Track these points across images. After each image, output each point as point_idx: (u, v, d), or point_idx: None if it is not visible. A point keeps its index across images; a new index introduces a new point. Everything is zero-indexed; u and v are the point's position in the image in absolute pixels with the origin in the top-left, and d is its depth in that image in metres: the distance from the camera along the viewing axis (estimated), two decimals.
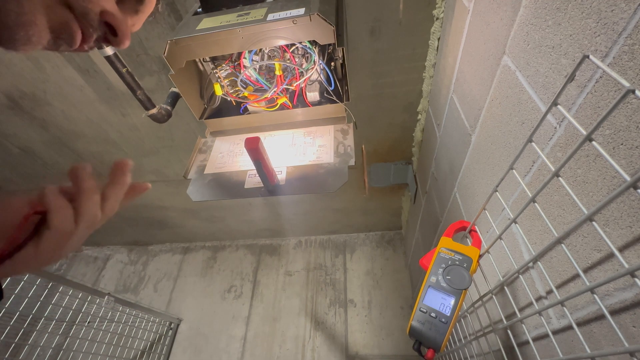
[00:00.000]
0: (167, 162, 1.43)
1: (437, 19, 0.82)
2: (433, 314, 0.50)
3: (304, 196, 1.65)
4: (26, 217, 0.27)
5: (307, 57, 0.73)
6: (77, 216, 0.29)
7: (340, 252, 1.94)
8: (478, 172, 0.64)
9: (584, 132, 0.26)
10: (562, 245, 0.33)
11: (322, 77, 0.77)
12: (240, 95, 0.79)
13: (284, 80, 0.74)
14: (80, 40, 0.30)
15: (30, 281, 1.21)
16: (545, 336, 0.46)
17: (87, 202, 0.30)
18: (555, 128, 0.38)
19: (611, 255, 0.32)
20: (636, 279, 0.25)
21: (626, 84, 0.21)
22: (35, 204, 0.29)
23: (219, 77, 0.77)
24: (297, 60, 0.73)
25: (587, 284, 0.30)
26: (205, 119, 0.81)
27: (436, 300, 0.50)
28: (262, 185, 0.68)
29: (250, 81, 0.76)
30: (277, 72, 0.73)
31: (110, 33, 0.31)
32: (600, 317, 0.35)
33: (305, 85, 0.78)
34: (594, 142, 0.26)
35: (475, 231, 0.57)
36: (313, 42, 0.70)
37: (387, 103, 1.09)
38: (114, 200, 0.33)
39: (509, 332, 0.51)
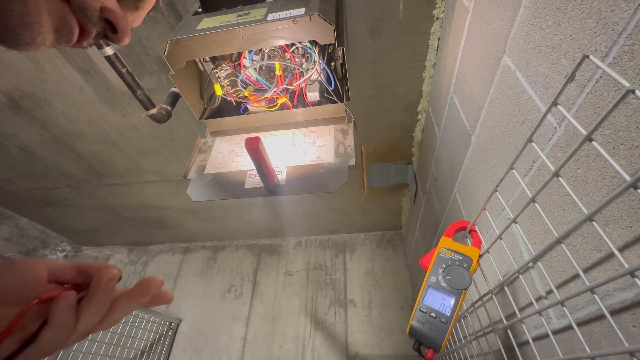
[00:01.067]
0: (167, 162, 1.43)
1: (437, 19, 0.82)
2: (433, 314, 0.50)
3: (304, 196, 1.65)
4: (28, 307, 0.26)
5: (307, 57, 0.73)
6: (74, 330, 0.27)
7: (340, 252, 1.94)
8: (478, 172, 0.64)
9: (584, 132, 0.26)
10: (562, 245, 0.33)
11: (322, 77, 0.77)
12: (240, 95, 0.79)
13: (284, 80, 0.74)
14: (79, 36, 0.29)
15: None
16: (545, 336, 0.46)
17: (90, 319, 0.28)
18: (555, 128, 0.38)
19: (611, 255, 0.32)
20: (636, 279, 0.25)
21: (626, 84, 0.21)
22: (52, 279, 0.29)
23: (219, 77, 0.77)
24: (297, 60, 0.73)
25: (587, 284, 0.30)
26: (205, 119, 0.81)
27: (436, 300, 0.50)
28: (262, 185, 0.68)
29: (250, 81, 0.76)
30: (277, 72, 0.73)
31: (110, 30, 0.31)
32: (600, 317, 0.35)
33: (305, 85, 0.78)
34: (594, 142, 0.26)
35: (475, 231, 0.57)
36: (313, 42, 0.70)
37: (387, 103, 1.09)
38: (120, 316, 0.31)
39: (509, 332, 0.51)
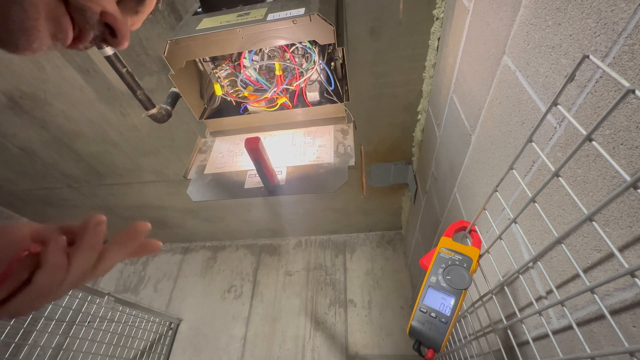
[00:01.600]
0: (167, 162, 1.43)
1: (437, 19, 0.82)
2: (433, 314, 0.50)
3: (304, 196, 1.65)
4: (17, 259, 0.26)
5: (307, 57, 0.73)
6: (67, 274, 0.27)
7: (340, 252, 1.94)
8: (478, 172, 0.64)
9: (584, 132, 0.26)
10: (562, 245, 0.33)
11: (322, 77, 0.77)
12: (240, 95, 0.79)
13: (284, 80, 0.74)
14: (77, 37, 0.29)
15: None
16: (545, 336, 0.46)
17: (83, 262, 0.28)
18: (555, 128, 0.38)
19: (611, 255, 0.32)
20: (636, 279, 0.25)
21: (626, 84, 0.21)
22: (37, 239, 0.28)
23: (219, 77, 0.77)
24: (297, 60, 0.73)
25: (587, 284, 0.30)
26: (205, 119, 0.81)
27: (436, 300, 0.50)
28: (262, 185, 0.68)
29: (250, 81, 0.76)
30: (277, 72, 0.73)
31: (109, 34, 0.31)
32: (600, 317, 0.35)
33: (305, 85, 0.78)
34: (594, 142, 0.26)
35: (475, 231, 0.57)
36: (313, 42, 0.70)
37: (387, 103, 1.09)
38: (111, 263, 0.31)
39: (509, 332, 0.51)
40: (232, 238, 2.12)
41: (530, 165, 0.45)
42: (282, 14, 0.59)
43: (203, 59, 0.77)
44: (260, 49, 0.73)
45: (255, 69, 0.74)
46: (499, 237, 0.46)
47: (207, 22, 0.63)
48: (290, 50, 0.71)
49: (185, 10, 0.85)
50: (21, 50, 0.26)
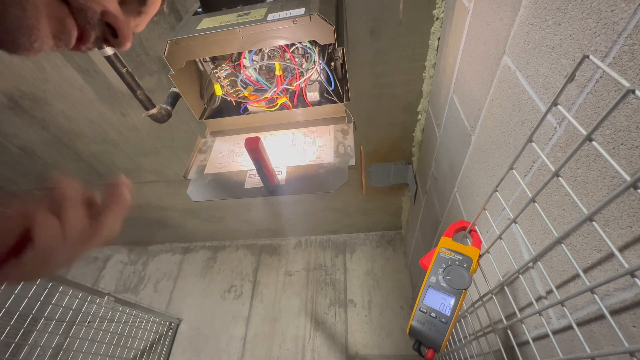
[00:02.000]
0: (167, 162, 1.43)
1: (437, 19, 0.82)
2: (433, 314, 0.50)
3: (304, 196, 1.65)
4: (12, 230, 0.26)
5: (307, 57, 0.73)
6: (64, 232, 0.27)
7: (340, 252, 1.94)
8: (478, 172, 0.64)
9: (584, 132, 0.26)
10: (562, 245, 0.33)
11: (322, 77, 0.77)
12: (240, 95, 0.79)
13: (284, 80, 0.74)
14: (79, 38, 0.29)
15: None
16: (545, 336, 0.46)
17: (73, 216, 0.28)
18: (555, 128, 0.38)
19: (611, 255, 0.32)
20: (636, 279, 0.25)
21: (626, 84, 0.21)
22: (29, 214, 0.28)
23: (219, 77, 0.77)
24: (297, 60, 0.73)
25: (587, 284, 0.30)
26: (205, 119, 0.81)
27: (436, 300, 0.50)
28: (262, 185, 0.68)
29: (250, 81, 0.76)
30: (277, 72, 0.73)
31: (110, 34, 0.31)
32: (600, 317, 0.35)
33: (305, 85, 0.78)
34: (594, 142, 0.26)
35: (475, 231, 0.57)
36: (313, 42, 0.70)
37: (387, 103, 1.09)
38: (112, 221, 0.30)
39: (509, 332, 0.51)
40: (232, 238, 2.12)
41: (530, 165, 0.45)
42: (282, 14, 0.59)
43: (203, 59, 0.77)
44: (260, 49, 0.73)
45: (255, 69, 0.74)
46: (499, 237, 0.46)
47: (207, 22, 0.63)
48: (290, 50, 0.71)
49: (185, 10, 0.85)
50: (22, 50, 0.26)
